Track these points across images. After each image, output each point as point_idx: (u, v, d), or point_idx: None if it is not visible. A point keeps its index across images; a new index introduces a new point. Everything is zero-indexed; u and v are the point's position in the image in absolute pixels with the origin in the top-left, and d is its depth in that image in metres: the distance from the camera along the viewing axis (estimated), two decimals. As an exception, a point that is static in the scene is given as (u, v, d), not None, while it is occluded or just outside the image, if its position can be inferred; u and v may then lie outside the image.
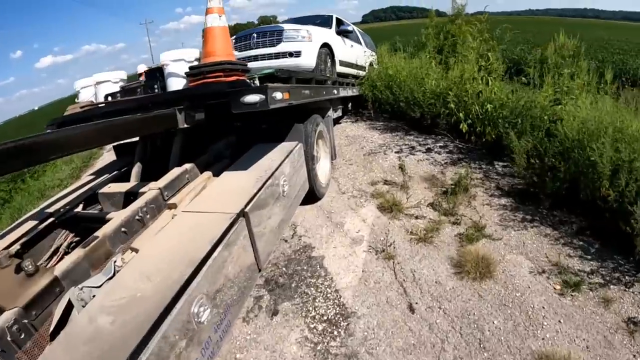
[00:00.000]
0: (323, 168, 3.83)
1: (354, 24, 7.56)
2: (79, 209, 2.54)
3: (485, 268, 2.58)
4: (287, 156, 2.71)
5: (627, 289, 2.32)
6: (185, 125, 2.39)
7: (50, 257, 2.13)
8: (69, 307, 1.53)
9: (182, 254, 1.55)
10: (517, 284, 2.47)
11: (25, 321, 1.50)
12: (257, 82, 2.90)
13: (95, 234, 1.89)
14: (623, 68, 8.47)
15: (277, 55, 4.75)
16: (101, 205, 2.56)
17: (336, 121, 6.04)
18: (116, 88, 3.32)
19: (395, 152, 4.82)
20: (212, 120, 2.52)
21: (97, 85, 3.43)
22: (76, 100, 3.58)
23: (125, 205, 2.26)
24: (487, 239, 2.92)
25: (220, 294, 1.62)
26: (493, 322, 2.20)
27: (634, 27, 41.67)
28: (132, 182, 2.66)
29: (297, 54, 4.67)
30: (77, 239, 2.27)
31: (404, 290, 2.53)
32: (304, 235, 3.25)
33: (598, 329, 2.08)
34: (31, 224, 2.22)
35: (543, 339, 2.05)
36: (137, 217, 2.08)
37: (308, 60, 4.73)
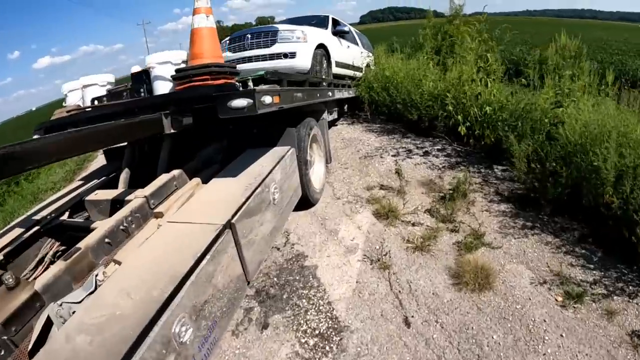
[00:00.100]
0: (317, 173, 3.72)
1: (351, 24, 7.47)
2: (65, 216, 2.48)
3: (485, 279, 2.47)
4: (279, 162, 2.61)
5: (630, 300, 2.23)
6: (172, 131, 2.29)
7: (35, 267, 2.08)
8: (49, 323, 1.49)
9: (165, 268, 1.49)
10: (517, 296, 2.38)
11: (5, 337, 1.46)
12: (250, 83, 2.81)
13: (78, 245, 1.82)
14: (622, 69, 8.42)
15: (272, 57, 4.65)
16: (88, 212, 2.49)
17: (332, 123, 5.93)
18: (103, 91, 3.21)
19: (392, 156, 4.71)
20: (201, 124, 2.42)
21: (84, 89, 3.32)
22: (63, 104, 3.50)
23: (112, 213, 2.22)
24: (487, 248, 2.81)
25: (205, 310, 1.55)
26: (492, 337, 2.10)
27: (631, 28, 41.79)
28: (120, 188, 2.58)
29: (292, 55, 4.57)
30: (63, 247, 2.22)
31: (399, 302, 2.42)
32: (297, 243, 3.14)
33: (601, 343, 1.99)
34: (17, 232, 2.17)
35: (544, 354, 1.96)
36: (121, 227, 2.00)
37: (303, 61, 4.62)
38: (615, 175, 2.60)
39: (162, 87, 2.62)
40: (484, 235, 2.91)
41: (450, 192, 3.44)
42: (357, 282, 2.62)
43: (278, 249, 3.09)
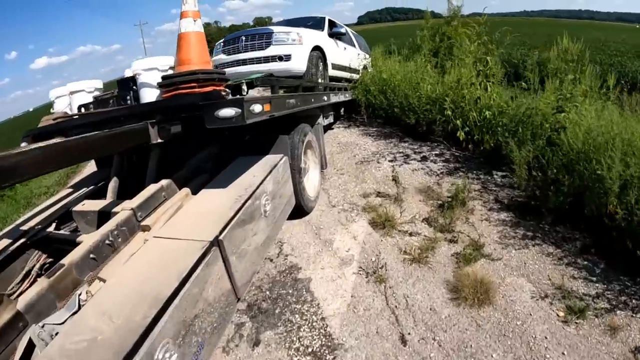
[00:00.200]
0: (312, 180, 3.62)
1: (349, 25, 7.39)
2: (52, 227, 2.41)
3: (484, 293, 2.38)
4: (270, 172, 2.50)
5: (634, 315, 2.16)
6: (159, 140, 2.19)
7: (22, 281, 2.03)
8: (32, 344, 1.46)
9: (149, 289, 1.43)
10: (517, 311, 2.29)
11: None
12: (244, 87, 2.72)
13: (62, 261, 1.75)
14: (622, 71, 8.35)
15: (267, 59, 4.55)
16: (76, 223, 2.41)
17: (328, 127, 5.82)
18: (90, 98, 3.11)
19: (389, 161, 4.61)
20: (191, 132, 2.32)
21: (72, 95, 3.22)
22: (51, 110, 3.41)
23: (99, 224, 2.13)
24: (486, 259, 2.72)
25: (191, 331, 1.49)
26: (492, 356, 2.01)
27: (628, 28, 41.90)
28: (108, 198, 2.51)
29: (287, 57, 4.47)
30: (50, 260, 2.16)
31: (395, 318, 2.32)
32: (291, 254, 3.04)
33: (604, 360, 1.89)
34: (3, 243, 2.13)
35: (546, 374, 1.86)
36: (107, 242, 1.93)
37: (298, 64, 4.52)
38: (620, 185, 2.51)
39: (149, 95, 2.51)
40: (483, 246, 2.82)
41: (449, 200, 3.34)
42: (352, 296, 2.52)
43: (271, 260, 2.99)
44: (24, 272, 2.04)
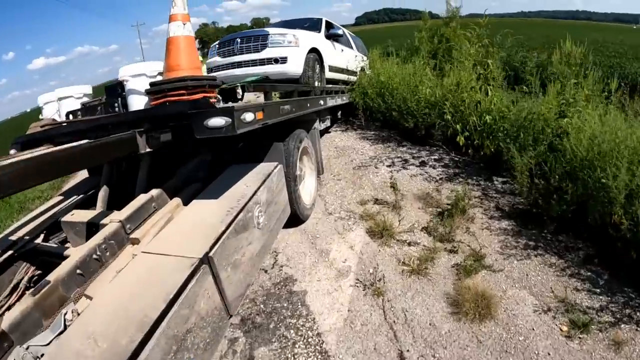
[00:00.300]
0: (308, 187, 3.53)
1: (347, 26, 7.30)
2: (41, 238, 2.34)
3: (486, 308, 2.30)
4: (264, 181, 2.42)
5: (638, 328, 2.11)
6: (148, 150, 2.10)
7: (10, 294, 1.95)
8: None
9: (136, 310, 1.39)
10: (520, 326, 2.22)
11: None
12: (239, 90, 2.63)
13: (48, 277, 1.71)
14: (621, 72, 8.29)
15: (262, 62, 4.45)
16: (65, 233, 2.36)
17: (324, 131, 5.72)
18: (78, 104, 3.01)
19: (387, 166, 4.51)
20: (182, 139, 2.23)
21: (60, 101, 3.13)
22: (40, 116, 3.32)
23: (88, 236, 2.09)
24: (487, 271, 2.64)
25: (182, 348, 1.45)
26: (494, 374, 1.93)
27: (625, 29, 41.98)
28: (98, 208, 2.45)
29: (283, 60, 4.37)
30: (39, 272, 2.10)
31: (394, 334, 2.24)
32: (286, 264, 2.94)
33: (608, 378, 1.83)
34: None
35: (549, 394, 1.79)
36: (94, 257, 1.87)
37: (294, 66, 4.43)
38: (626, 194, 2.44)
39: (137, 102, 2.41)
40: (484, 257, 2.73)
41: (449, 207, 3.25)
42: (348, 310, 2.43)
43: (265, 271, 2.89)
44: (11, 285, 1.97)
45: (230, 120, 1.79)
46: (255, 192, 2.28)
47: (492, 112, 3.84)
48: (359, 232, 3.24)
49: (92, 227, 2.16)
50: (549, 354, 2.00)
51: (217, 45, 4.99)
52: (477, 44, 4.57)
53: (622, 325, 2.13)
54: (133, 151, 2.04)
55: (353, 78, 6.54)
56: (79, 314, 1.56)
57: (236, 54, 4.60)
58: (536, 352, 2.01)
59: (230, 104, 2.01)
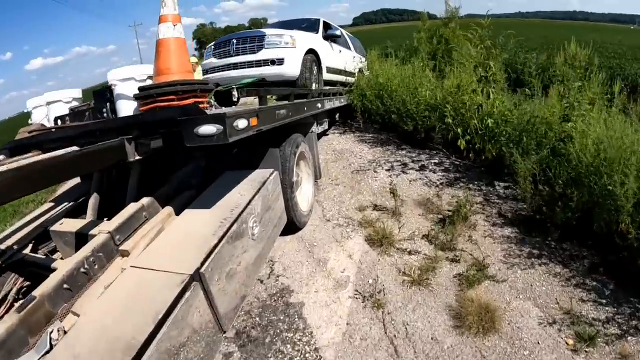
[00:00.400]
0: (305, 193, 3.43)
1: (344, 26, 7.21)
2: (30, 249, 2.27)
3: (490, 322, 2.21)
4: (259, 190, 2.32)
5: None
6: (138, 157, 2.00)
7: None
8: None
9: (123, 331, 1.34)
10: (525, 340, 2.14)
11: None
12: (235, 93, 2.53)
13: (34, 293, 1.62)
14: (621, 74, 8.23)
15: (259, 63, 4.35)
16: (54, 243, 2.28)
17: (322, 134, 5.62)
18: (67, 109, 2.92)
19: (386, 170, 4.41)
20: (174, 146, 2.14)
21: (49, 106, 3.03)
22: (30, 121, 3.23)
23: (78, 246, 2.03)
24: (491, 281, 2.55)
25: None
26: (499, 392, 1.85)
27: (623, 30, 42.07)
28: (88, 217, 2.35)
29: (280, 61, 4.28)
30: (28, 284, 2.02)
31: (394, 349, 2.14)
32: (282, 274, 2.84)
33: (615, 395, 1.75)
34: None
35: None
36: (82, 270, 1.78)
37: (292, 68, 4.33)
38: (634, 203, 2.36)
39: (126, 108, 2.31)
40: (487, 267, 2.64)
41: (450, 214, 3.16)
42: (347, 324, 2.34)
43: (261, 281, 2.79)
44: (0, 296, 1.91)
45: (222, 127, 1.70)
46: (250, 201, 2.19)
47: (494, 116, 3.75)
48: (358, 240, 3.14)
49: (82, 238, 2.07)
50: (555, 370, 1.91)
51: (213, 47, 4.89)
52: (479, 45, 4.47)
53: (629, 338, 2.07)
54: (122, 159, 1.95)
55: (351, 79, 6.45)
56: (65, 333, 1.48)
57: (232, 56, 4.50)
58: (542, 368, 1.92)
59: (222, 110, 1.91)
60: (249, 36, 4.53)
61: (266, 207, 2.38)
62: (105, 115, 2.53)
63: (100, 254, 1.87)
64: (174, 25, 2.08)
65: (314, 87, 4.73)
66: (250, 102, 3.97)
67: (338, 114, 6.33)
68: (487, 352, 2.08)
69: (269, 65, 4.29)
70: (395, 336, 2.22)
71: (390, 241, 2.98)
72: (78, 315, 1.55)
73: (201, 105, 2.08)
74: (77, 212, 2.61)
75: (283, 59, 4.27)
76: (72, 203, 2.75)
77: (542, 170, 3.07)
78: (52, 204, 2.77)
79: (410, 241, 3.04)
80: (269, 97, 3.09)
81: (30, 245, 2.30)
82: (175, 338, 1.43)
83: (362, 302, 2.49)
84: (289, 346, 2.25)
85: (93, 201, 2.43)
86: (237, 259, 1.97)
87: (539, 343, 2.10)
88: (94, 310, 1.52)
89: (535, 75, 3.79)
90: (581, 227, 2.81)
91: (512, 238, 2.97)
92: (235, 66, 4.48)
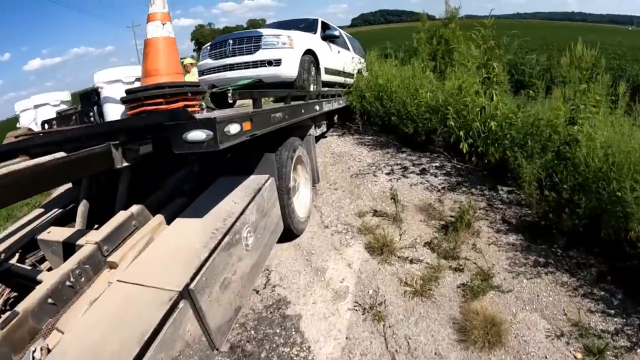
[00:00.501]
0: (303, 198, 3.32)
1: (343, 27, 7.11)
2: (16, 258, 2.20)
3: (495, 335, 2.11)
4: (254, 197, 2.21)
5: None
6: (125, 164, 1.90)
7: None
8: None
9: (108, 352, 1.28)
10: (532, 353, 2.05)
11: None
12: (230, 94, 2.43)
13: (17, 308, 1.55)
14: (622, 75, 8.19)
15: (255, 64, 4.25)
16: (42, 251, 2.22)
17: (320, 136, 5.51)
18: (54, 112, 2.81)
19: (386, 174, 4.30)
20: (165, 152, 2.04)
21: (36, 109, 2.93)
22: (17, 125, 3.12)
23: (65, 256, 1.97)
24: (496, 291, 2.45)
25: None
26: (507, 412, 1.75)
27: (621, 30, 42.18)
28: (77, 225, 2.27)
29: (277, 62, 4.17)
30: (15, 294, 1.97)
31: (396, 365, 2.04)
32: (279, 284, 2.72)
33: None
34: None
35: None
36: (68, 283, 1.71)
37: (289, 69, 4.23)
38: (644, 210, 2.26)
39: (113, 111, 2.20)
40: (492, 277, 2.54)
41: (453, 220, 3.05)
42: (346, 337, 2.23)
43: (257, 291, 2.67)
44: None
45: (212, 133, 1.59)
46: (244, 210, 2.08)
47: (497, 118, 3.65)
48: (357, 247, 3.03)
49: (69, 247, 2.00)
50: (564, 386, 1.82)
51: (209, 47, 4.79)
52: (482, 46, 4.36)
53: (639, 350, 2.00)
54: (108, 166, 1.85)
55: (350, 80, 6.34)
56: (49, 351, 1.42)
57: (228, 56, 4.41)
58: (551, 384, 1.83)
59: (212, 115, 1.80)
60: (245, 36, 4.43)
61: (261, 215, 2.27)
62: (92, 119, 2.42)
63: (87, 266, 1.79)
64: (163, 24, 1.96)
65: (311, 88, 4.63)
66: (248, 103, 3.86)
67: (336, 116, 6.22)
68: (492, 368, 1.99)
69: (265, 66, 4.20)
70: (396, 351, 2.12)
71: (390, 249, 2.87)
72: (62, 332, 1.49)
73: (191, 109, 1.97)
74: (66, 218, 2.53)
75: (280, 60, 4.17)
76: (61, 209, 2.66)
77: (547, 174, 2.97)
78: (42, 210, 2.68)
79: (412, 249, 2.93)
80: (265, 99, 2.98)
81: (17, 255, 2.21)
82: (164, 356, 1.35)
83: (362, 314, 2.38)
84: (285, 362, 2.14)
85: (82, 208, 2.35)
86: (230, 270, 1.87)
87: (546, 357, 2.02)
88: (78, 327, 1.45)
89: (538, 77, 3.68)
90: (588, 234, 2.73)
91: (517, 245, 2.87)
92: (231, 67, 4.39)
